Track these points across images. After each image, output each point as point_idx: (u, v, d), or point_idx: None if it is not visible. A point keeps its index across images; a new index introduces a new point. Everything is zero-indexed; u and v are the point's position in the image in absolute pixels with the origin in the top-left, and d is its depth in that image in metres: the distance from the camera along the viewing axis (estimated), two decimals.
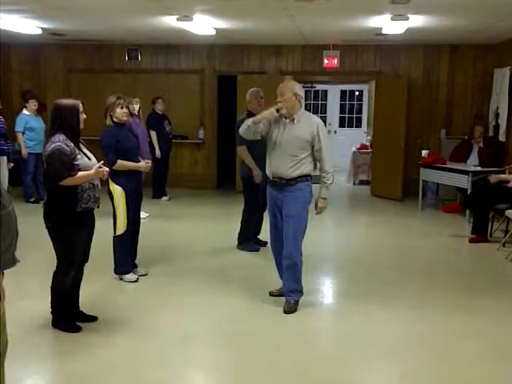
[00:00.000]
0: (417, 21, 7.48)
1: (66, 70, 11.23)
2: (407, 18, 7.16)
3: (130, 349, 4.04)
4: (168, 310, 4.79)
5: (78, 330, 4.22)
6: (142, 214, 7.80)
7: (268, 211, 4.93)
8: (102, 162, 4.19)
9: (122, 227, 5.17)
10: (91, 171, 4.03)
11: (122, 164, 5.16)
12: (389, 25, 7.69)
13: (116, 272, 5.45)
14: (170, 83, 10.96)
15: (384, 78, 10.53)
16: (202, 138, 11.11)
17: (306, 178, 4.66)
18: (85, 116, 4.16)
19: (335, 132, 15.06)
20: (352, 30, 8.60)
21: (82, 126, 4.13)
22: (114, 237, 5.32)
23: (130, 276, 5.42)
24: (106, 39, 10.35)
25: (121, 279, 5.43)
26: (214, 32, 8.69)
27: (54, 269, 4.19)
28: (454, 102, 10.40)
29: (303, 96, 4.89)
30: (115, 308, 4.81)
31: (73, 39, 10.24)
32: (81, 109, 4.11)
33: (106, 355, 3.92)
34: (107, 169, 4.20)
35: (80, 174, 4.00)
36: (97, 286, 5.19)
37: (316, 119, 4.75)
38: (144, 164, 5.37)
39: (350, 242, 7.48)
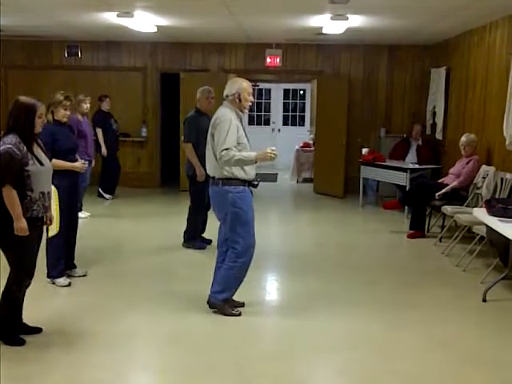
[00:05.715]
0: (356, 21, 7.63)
1: (3, 66, 10.88)
2: (346, 18, 7.30)
3: (68, 350, 3.96)
4: (107, 311, 4.72)
5: (22, 343, 4.03)
6: (83, 214, 7.67)
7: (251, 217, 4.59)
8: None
9: (54, 227, 4.95)
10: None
11: (56, 164, 4.97)
12: (329, 24, 7.81)
13: (48, 276, 5.26)
14: (112, 80, 10.80)
15: (325, 77, 10.68)
16: (145, 135, 11.00)
17: None
18: (45, 120, 4.02)
19: (279, 130, 15.22)
20: (293, 29, 8.69)
21: (38, 129, 3.93)
22: (46, 239, 5.01)
23: (62, 280, 5.25)
24: (44, 35, 10.10)
25: (53, 283, 5.26)
26: (155, 29, 8.61)
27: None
28: (393, 101, 10.66)
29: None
30: (52, 311, 4.72)
31: (10, 35, 9.94)
32: (40, 112, 3.89)
33: (43, 357, 3.84)
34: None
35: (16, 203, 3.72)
36: (30, 290, 5.00)
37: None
38: (80, 164, 5.24)
39: (293, 239, 7.56)
